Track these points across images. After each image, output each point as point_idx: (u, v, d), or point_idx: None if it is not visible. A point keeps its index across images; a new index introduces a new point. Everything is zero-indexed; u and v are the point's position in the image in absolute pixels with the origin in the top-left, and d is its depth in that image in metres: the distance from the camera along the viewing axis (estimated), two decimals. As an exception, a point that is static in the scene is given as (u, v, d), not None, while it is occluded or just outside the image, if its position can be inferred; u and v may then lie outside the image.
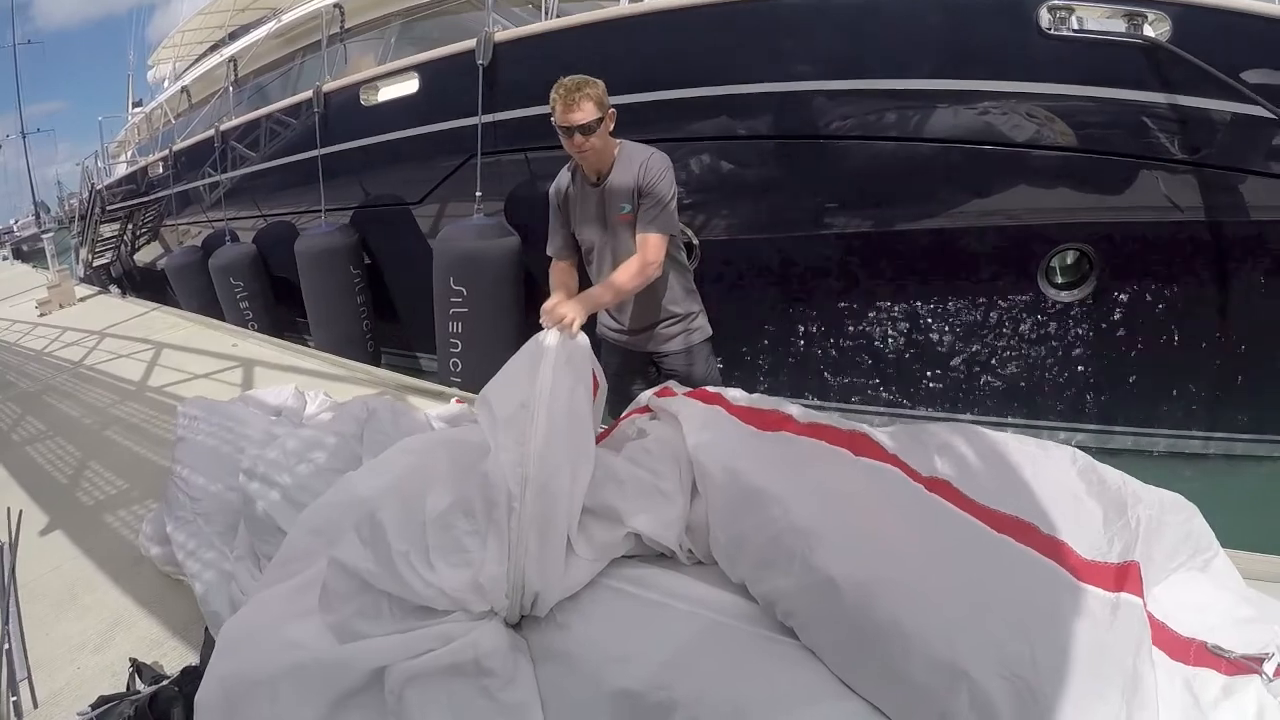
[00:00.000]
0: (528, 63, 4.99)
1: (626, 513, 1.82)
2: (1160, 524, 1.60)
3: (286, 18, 8.32)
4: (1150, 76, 3.69)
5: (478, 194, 5.19)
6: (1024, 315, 4.44)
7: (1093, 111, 3.82)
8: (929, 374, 4.76)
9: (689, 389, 2.37)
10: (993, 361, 4.60)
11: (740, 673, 1.45)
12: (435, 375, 6.24)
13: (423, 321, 6.25)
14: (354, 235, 6.26)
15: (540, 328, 2.22)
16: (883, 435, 1.85)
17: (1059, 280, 4.36)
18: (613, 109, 2.65)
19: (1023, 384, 4.61)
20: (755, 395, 2.20)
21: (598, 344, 2.83)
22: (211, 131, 8.18)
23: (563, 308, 2.28)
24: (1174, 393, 4.47)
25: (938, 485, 1.64)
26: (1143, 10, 3.58)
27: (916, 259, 4.47)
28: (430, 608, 1.68)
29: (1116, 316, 4.31)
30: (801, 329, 4.89)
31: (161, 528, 2.83)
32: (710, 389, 2.28)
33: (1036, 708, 1.20)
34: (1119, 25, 3.63)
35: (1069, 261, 4.33)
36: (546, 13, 5.26)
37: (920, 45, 4.03)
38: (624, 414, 2.44)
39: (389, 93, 5.64)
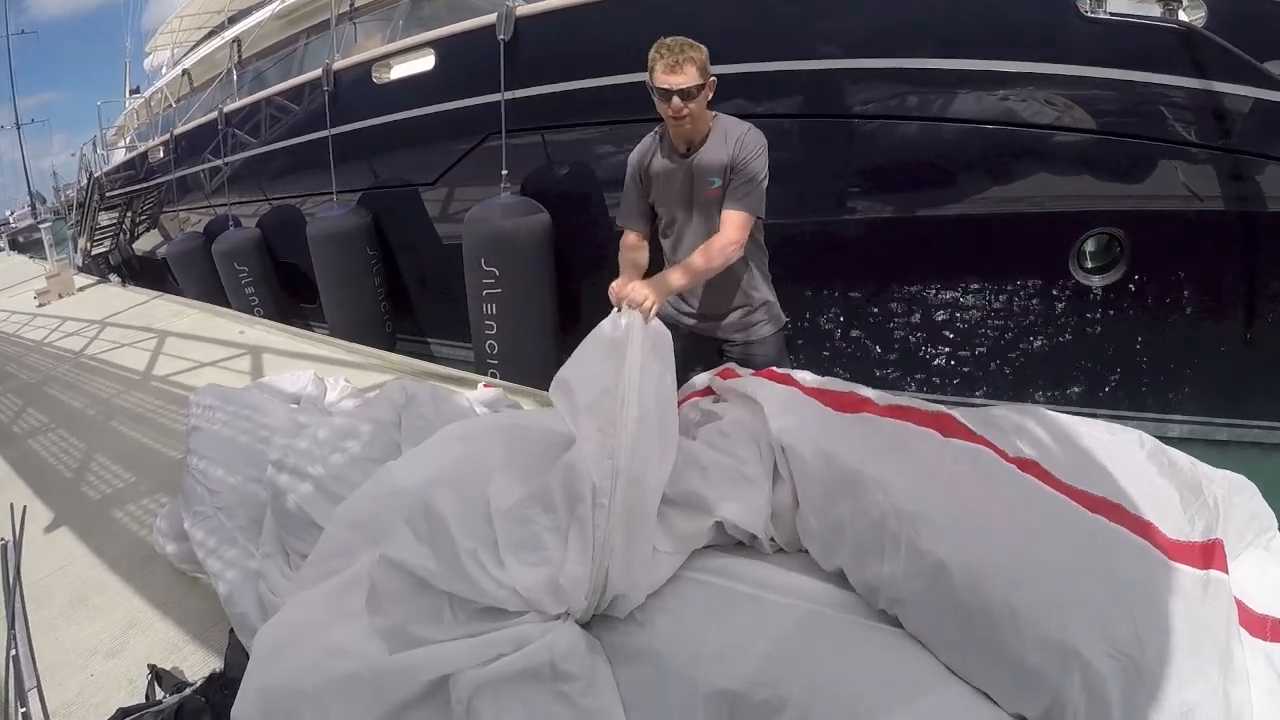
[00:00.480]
0: (549, 39, 4.80)
1: (713, 500, 1.70)
2: (1230, 504, 1.61)
3: (290, -1, 8.12)
4: (1185, 62, 3.62)
5: (504, 172, 5.00)
6: (1056, 300, 4.31)
7: (1136, 96, 3.73)
8: (956, 359, 4.64)
9: (755, 371, 2.25)
10: (1022, 345, 4.49)
11: (848, 665, 1.38)
12: (454, 362, 6.06)
13: (439, 305, 6.16)
14: (368, 216, 6.06)
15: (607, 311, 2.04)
16: (962, 416, 1.79)
17: (1089, 265, 4.24)
18: (714, 77, 2.46)
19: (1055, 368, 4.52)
20: (826, 378, 2.08)
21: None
22: (214, 115, 7.97)
23: (638, 291, 2.09)
24: (1194, 378, 4.40)
25: (1027, 465, 1.61)
26: None
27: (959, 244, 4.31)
28: (500, 609, 1.51)
29: (1144, 302, 4.19)
30: (831, 317, 4.71)
31: (178, 523, 2.64)
32: (778, 370, 2.17)
33: (1143, 686, 1.21)
34: (1154, 10, 3.55)
35: (1099, 246, 4.21)
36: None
37: (961, 24, 3.89)
38: (682, 397, 2.29)
39: (403, 70, 5.44)
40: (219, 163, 8.00)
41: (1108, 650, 1.23)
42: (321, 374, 3.71)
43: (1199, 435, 4.52)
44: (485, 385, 3.81)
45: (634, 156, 2.71)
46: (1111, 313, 4.26)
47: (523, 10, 4.73)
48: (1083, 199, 4.06)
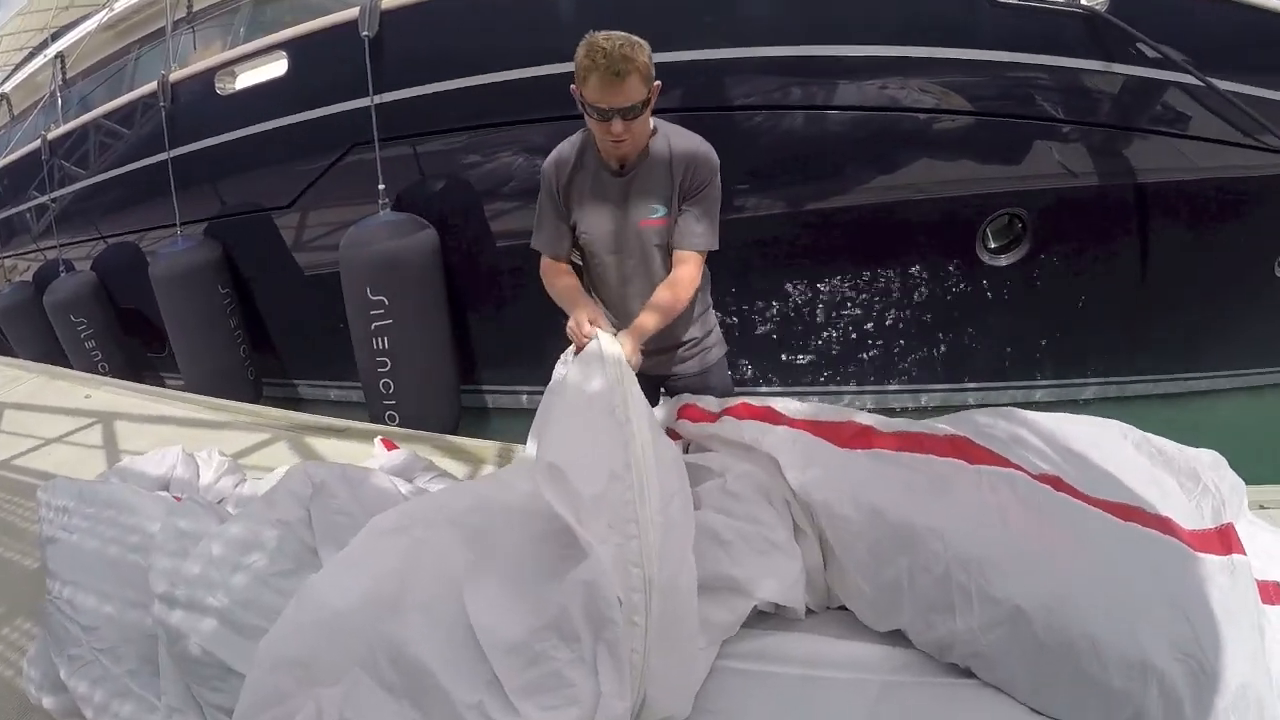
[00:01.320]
0: (422, 33, 4.29)
1: (747, 581, 1.48)
2: (1221, 482, 1.68)
3: (119, 4, 7.09)
4: (1088, 44, 3.80)
5: (380, 186, 4.43)
6: (957, 282, 4.47)
7: (1038, 79, 3.91)
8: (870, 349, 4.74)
9: (717, 403, 2.06)
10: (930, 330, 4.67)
11: None
12: (335, 407, 5.55)
13: (309, 344, 5.53)
14: (218, 249, 5.28)
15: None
16: (964, 432, 1.73)
17: (993, 245, 4.39)
18: (658, 81, 2.00)
19: (953, 349, 4.74)
20: (809, 404, 1.93)
21: None
22: (37, 144, 6.91)
23: (621, 345, 1.80)
24: (1095, 344, 4.81)
25: (1053, 481, 1.61)
26: None
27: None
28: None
29: (1043, 277, 4.44)
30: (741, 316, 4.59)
31: (52, 670, 2.07)
32: (754, 402, 1.95)
33: (1206, 679, 1.28)
34: None
35: (1002, 226, 4.37)
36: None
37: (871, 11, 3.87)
38: None
39: (251, 77, 4.71)
40: (45, 199, 6.90)
41: (1175, 655, 1.30)
42: (186, 440, 3.26)
43: (1103, 395, 4.99)
44: (384, 441, 3.32)
45: (549, 168, 2.22)
46: (1014, 289, 4.45)
47: (390, 2, 4.18)
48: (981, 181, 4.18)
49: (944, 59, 3.86)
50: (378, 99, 4.33)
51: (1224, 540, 1.54)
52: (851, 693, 1.38)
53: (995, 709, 1.37)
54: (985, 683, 1.40)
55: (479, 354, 5.04)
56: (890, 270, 4.40)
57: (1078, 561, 1.41)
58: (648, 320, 2.04)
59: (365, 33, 4.15)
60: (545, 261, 2.30)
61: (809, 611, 1.59)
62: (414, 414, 4.46)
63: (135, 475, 2.71)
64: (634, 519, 1.34)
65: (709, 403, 2.10)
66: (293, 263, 5.21)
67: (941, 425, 1.80)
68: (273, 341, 5.67)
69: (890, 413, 4.94)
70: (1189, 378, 5.20)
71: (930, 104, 3.96)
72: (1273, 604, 1.54)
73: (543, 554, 1.41)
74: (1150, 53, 3.74)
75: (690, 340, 2.42)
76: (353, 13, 4.18)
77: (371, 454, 3.28)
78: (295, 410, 4.54)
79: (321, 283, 4.91)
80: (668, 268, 2.21)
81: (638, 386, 1.61)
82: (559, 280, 2.26)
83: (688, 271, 2.12)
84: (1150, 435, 1.80)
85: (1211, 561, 1.47)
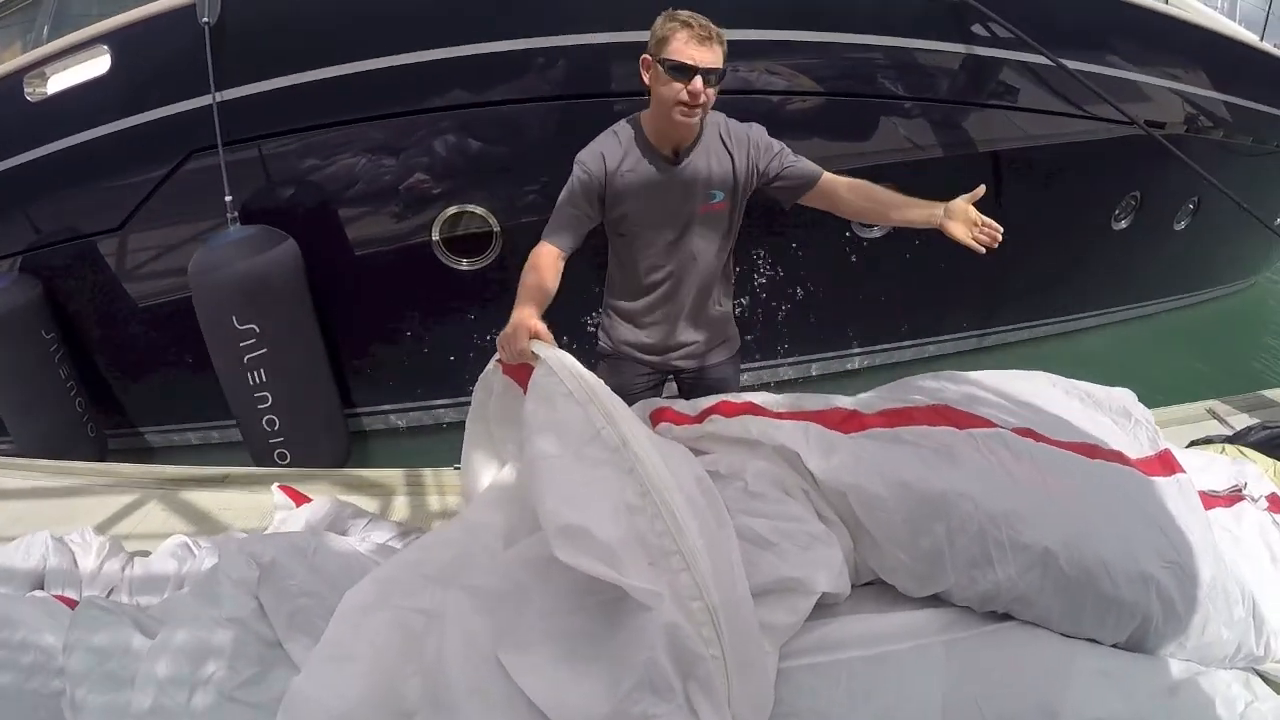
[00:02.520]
0: (272, 18, 3.78)
1: (805, 578, 1.45)
2: (1145, 414, 2.00)
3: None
4: (955, 30, 4.14)
5: (228, 198, 3.87)
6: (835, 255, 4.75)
7: (902, 60, 4.23)
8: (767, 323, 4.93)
9: (689, 405, 2.01)
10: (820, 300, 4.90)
11: (1011, 675, 1.44)
12: (198, 451, 4.93)
13: (154, 384, 4.84)
14: (37, 286, 4.43)
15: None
16: (946, 400, 1.87)
17: None
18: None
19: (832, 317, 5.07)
20: (785, 395, 1.97)
21: (592, 361, 2.24)
22: None
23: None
24: (962, 302, 5.41)
25: (1030, 434, 1.76)
26: None
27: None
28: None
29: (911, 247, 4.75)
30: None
31: None
32: (732, 399, 1.94)
33: (1187, 579, 1.52)
34: None
35: None
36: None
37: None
38: None
39: (67, 78, 3.91)
40: None
41: (1161, 563, 1.52)
42: (34, 517, 2.85)
43: (976, 347, 5.66)
44: (283, 489, 2.93)
45: (591, 160, 2.14)
46: (885, 258, 4.76)
47: (231, -17, 3.62)
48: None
49: (813, 43, 4.05)
50: (220, 96, 3.80)
51: (1165, 464, 1.82)
52: (920, 659, 1.42)
53: (1041, 641, 1.51)
54: (1024, 621, 1.53)
55: (354, 374, 4.63)
56: (763, 249, 4.57)
57: (1076, 499, 1.59)
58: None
59: (205, 19, 3.60)
60: (543, 249, 2.14)
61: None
62: (306, 451, 4.05)
63: (3, 574, 2.20)
64: (675, 550, 1.24)
65: (682, 405, 2.03)
66: (127, 294, 4.50)
67: (915, 396, 1.90)
68: (112, 387, 4.90)
69: (783, 385, 5.08)
70: (1047, 323, 5.89)
71: (804, 85, 4.15)
72: (1209, 508, 1.82)
73: (587, 606, 1.28)
74: (1006, 35, 4.13)
75: (722, 331, 2.45)
76: (188, -4, 3.60)
77: (272, 504, 2.88)
78: (155, 463, 3.93)
79: (164, 314, 4.34)
80: (719, 254, 2.26)
81: (614, 396, 1.50)
82: (539, 273, 2.08)
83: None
84: (1073, 380, 2.07)
85: (1163, 482, 1.73)
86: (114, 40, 3.81)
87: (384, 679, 1.32)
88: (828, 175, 2.21)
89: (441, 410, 4.85)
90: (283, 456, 4.02)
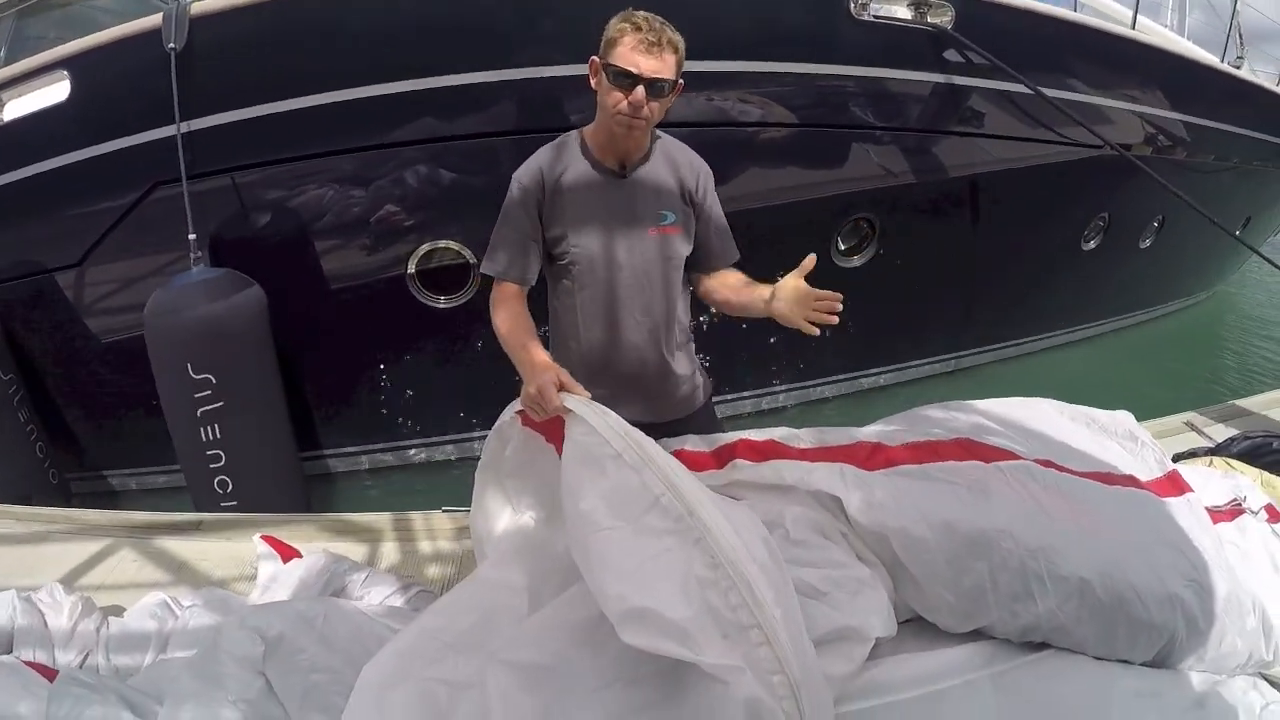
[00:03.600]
0: (242, 45, 3.65)
1: (860, 627, 1.44)
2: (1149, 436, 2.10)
3: None
4: (934, 59, 4.25)
5: (191, 236, 3.70)
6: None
7: (883, 90, 4.32)
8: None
9: (705, 441, 1.93)
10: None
11: (1054, 701, 1.48)
12: (163, 495, 4.71)
13: (124, 426, 4.62)
14: (-9, 326, 4.25)
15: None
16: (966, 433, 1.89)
17: (843, 248, 4.78)
18: (683, 81, 1.86)
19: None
20: (806, 431, 1.92)
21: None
22: None
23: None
24: (936, 326, 5.54)
25: (1051, 465, 1.80)
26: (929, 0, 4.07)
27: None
28: None
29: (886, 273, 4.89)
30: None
31: None
32: (754, 437, 1.88)
33: (1208, 596, 1.60)
34: (908, 13, 4.06)
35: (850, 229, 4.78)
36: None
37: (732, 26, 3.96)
38: None
39: (24, 105, 3.73)
40: None
41: (1184, 582, 1.59)
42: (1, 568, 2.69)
43: (939, 370, 5.74)
44: (266, 539, 2.74)
45: (527, 175, 1.94)
46: (864, 285, 4.76)
47: (200, 8, 3.48)
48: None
49: (804, 74, 4.11)
50: (186, 126, 3.67)
51: (1175, 484, 1.90)
52: (971, 694, 1.44)
53: (1080, 667, 1.56)
54: (1060, 648, 1.58)
55: (319, 418, 4.51)
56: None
57: (1105, 528, 1.64)
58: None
59: (171, 45, 3.47)
60: (501, 288, 1.96)
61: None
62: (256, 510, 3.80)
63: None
64: (754, 624, 1.16)
65: (697, 443, 1.94)
66: (89, 332, 4.31)
67: (934, 430, 1.90)
68: (74, 430, 4.68)
69: (762, 415, 5.12)
70: (1017, 344, 6.03)
71: (778, 115, 4.19)
72: (1215, 523, 1.88)
73: (643, 676, 1.23)
74: (984, 63, 4.24)
75: (683, 376, 2.18)
76: (154, 21, 3.48)
77: (254, 554, 2.70)
78: (122, 508, 3.76)
79: (127, 353, 4.13)
80: (671, 287, 2.03)
81: (669, 457, 1.39)
82: (514, 309, 1.92)
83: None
84: (1075, 406, 2.15)
85: (1175, 503, 1.81)
86: (74, 65, 3.65)
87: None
88: (722, 272, 2.08)
89: (412, 451, 4.75)
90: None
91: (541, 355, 1.77)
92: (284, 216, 4.03)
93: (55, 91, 3.69)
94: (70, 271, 4.15)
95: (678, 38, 1.78)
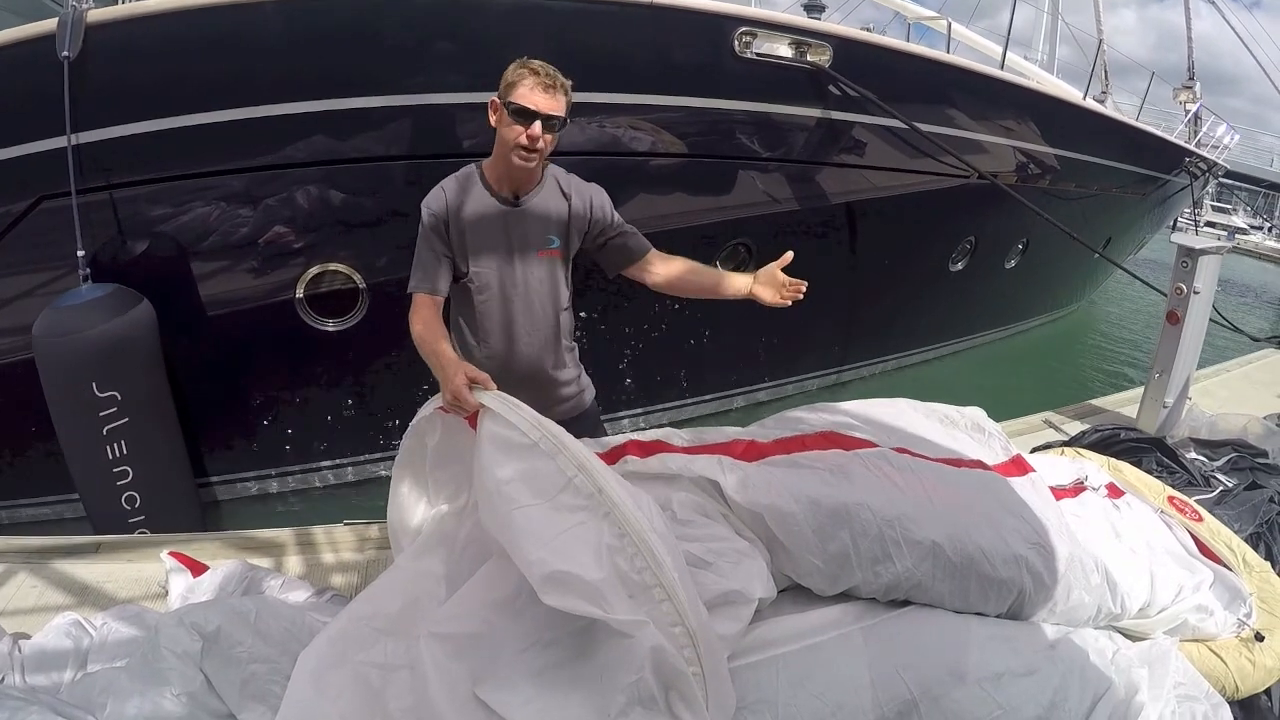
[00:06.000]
0: (140, 55, 3.53)
1: (744, 590, 1.63)
2: (995, 428, 2.46)
3: None
4: (813, 94, 4.57)
5: (80, 252, 3.57)
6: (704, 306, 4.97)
7: (761, 122, 4.58)
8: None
9: (599, 444, 2.12)
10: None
11: (920, 648, 1.68)
12: (50, 526, 4.28)
13: (10, 451, 4.27)
14: None
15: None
16: (830, 427, 2.20)
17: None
18: (570, 118, 2.17)
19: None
20: (688, 431, 2.20)
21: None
22: None
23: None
24: (817, 343, 5.90)
25: (906, 451, 2.10)
26: (808, 40, 4.40)
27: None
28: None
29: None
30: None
31: None
32: (642, 438, 2.11)
33: (1048, 555, 1.86)
34: (789, 51, 4.35)
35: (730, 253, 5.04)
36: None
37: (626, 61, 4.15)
38: None
39: None
40: None
41: (1027, 544, 1.86)
42: None
43: (822, 384, 6.08)
44: (174, 555, 2.74)
45: (433, 200, 2.21)
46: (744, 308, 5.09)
47: (97, 16, 3.36)
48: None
49: (690, 107, 4.34)
50: (78, 138, 3.54)
51: (1018, 466, 2.25)
52: (844, 645, 1.64)
53: (940, 617, 1.78)
54: (922, 604, 1.80)
55: (206, 441, 4.37)
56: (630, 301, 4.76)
57: (953, 501, 1.90)
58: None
59: (65, 53, 3.34)
60: (420, 299, 2.19)
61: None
62: (165, 529, 3.67)
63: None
64: (656, 584, 1.34)
65: (591, 445, 2.09)
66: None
67: (800, 426, 2.21)
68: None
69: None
70: (894, 357, 6.54)
71: (669, 145, 4.40)
72: (1059, 499, 2.22)
73: (560, 638, 1.38)
74: (859, 98, 4.58)
75: (569, 380, 2.44)
76: (47, 26, 3.35)
77: (163, 571, 2.69)
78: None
79: (9, 376, 3.88)
80: (558, 303, 2.30)
81: (576, 441, 1.57)
82: (427, 316, 2.14)
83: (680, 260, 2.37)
84: (929, 403, 2.48)
85: (1018, 481, 2.12)
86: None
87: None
88: (654, 251, 2.36)
89: (313, 474, 4.68)
90: (142, 534, 3.65)
91: (450, 354, 2.00)
92: (171, 235, 3.92)
93: (-63, 96, 3.51)
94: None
95: (568, 81, 2.09)
